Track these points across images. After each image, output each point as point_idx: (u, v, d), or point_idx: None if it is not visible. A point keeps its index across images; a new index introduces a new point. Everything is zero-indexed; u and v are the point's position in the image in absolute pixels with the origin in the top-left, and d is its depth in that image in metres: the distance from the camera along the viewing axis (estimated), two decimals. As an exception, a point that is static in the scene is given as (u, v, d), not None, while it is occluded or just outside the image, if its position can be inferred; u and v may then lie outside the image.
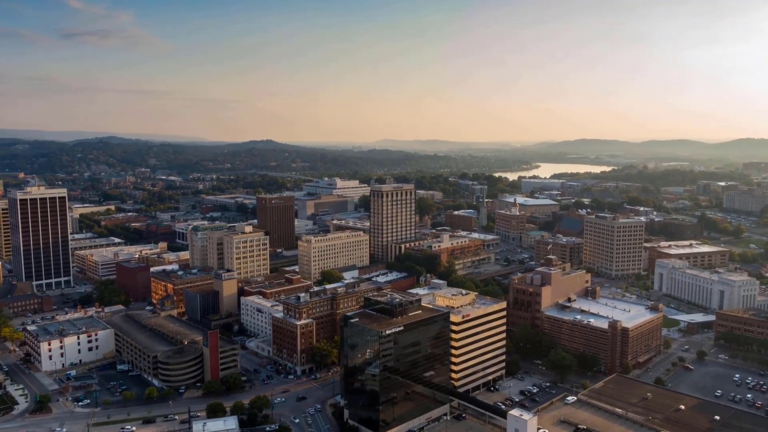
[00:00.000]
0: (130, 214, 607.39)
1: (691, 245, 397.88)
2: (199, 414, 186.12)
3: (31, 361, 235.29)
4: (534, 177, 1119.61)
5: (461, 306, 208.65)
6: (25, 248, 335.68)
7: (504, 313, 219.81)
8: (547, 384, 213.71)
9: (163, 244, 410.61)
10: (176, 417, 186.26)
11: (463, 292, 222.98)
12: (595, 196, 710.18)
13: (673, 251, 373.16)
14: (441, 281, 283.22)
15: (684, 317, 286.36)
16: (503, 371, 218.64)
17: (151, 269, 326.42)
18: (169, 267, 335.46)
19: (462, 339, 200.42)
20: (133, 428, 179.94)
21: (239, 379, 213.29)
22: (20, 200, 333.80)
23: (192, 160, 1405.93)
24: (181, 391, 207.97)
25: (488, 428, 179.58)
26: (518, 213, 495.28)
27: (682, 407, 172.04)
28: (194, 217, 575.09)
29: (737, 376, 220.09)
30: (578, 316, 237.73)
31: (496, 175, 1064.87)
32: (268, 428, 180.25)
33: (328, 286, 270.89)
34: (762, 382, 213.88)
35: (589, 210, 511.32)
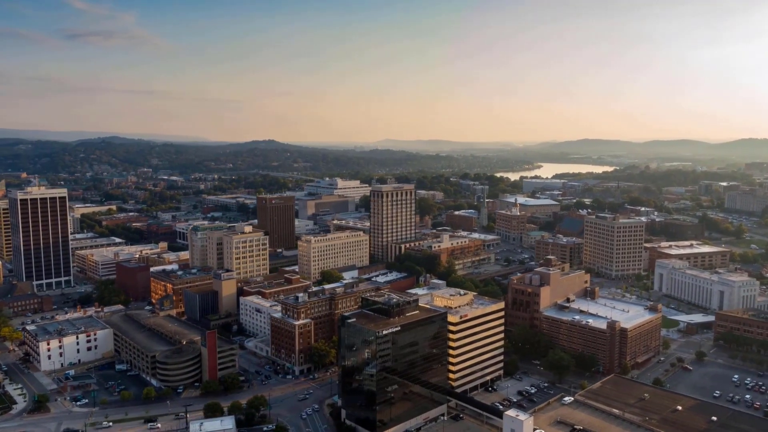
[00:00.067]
0: (131, 214, 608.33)
1: (691, 245, 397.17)
2: (182, 415, 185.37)
3: (30, 360, 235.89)
4: (536, 177, 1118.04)
5: (459, 306, 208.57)
6: (25, 248, 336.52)
7: (502, 313, 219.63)
8: (545, 384, 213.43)
9: (163, 244, 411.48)
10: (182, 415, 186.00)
11: (461, 292, 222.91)
12: (597, 196, 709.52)
13: (673, 251, 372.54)
14: (440, 281, 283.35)
15: (683, 318, 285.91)
16: (501, 371, 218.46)
17: (151, 269, 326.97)
18: (168, 267, 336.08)
19: (459, 339, 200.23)
20: (158, 425, 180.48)
21: (237, 379, 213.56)
22: (20, 200, 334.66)
23: (194, 160, 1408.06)
24: (179, 390, 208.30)
25: (485, 428, 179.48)
26: (519, 213, 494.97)
27: (680, 408, 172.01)
28: (195, 217, 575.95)
29: (736, 376, 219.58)
30: (577, 317, 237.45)
31: (498, 175, 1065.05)
32: (265, 428, 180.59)
33: (326, 286, 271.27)
34: (761, 383, 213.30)
35: (589, 210, 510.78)
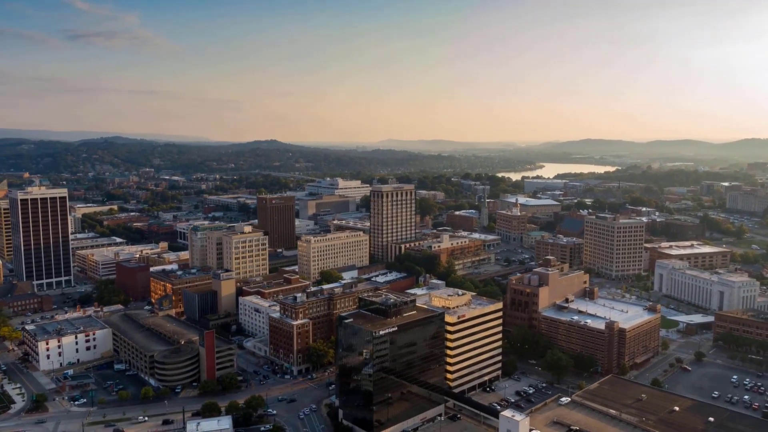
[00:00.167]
0: (132, 213, 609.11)
1: (692, 246, 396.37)
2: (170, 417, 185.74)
3: (29, 360, 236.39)
4: (537, 177, 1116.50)
5: (457, 306, 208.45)
6: (25, 248, 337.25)
7: (500, 313, 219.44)
8: (544, 385, 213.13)
9: (163, 244, 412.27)
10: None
11: (460, 292, 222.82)
12: (598, 196, 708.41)
13: (674, 252, 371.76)
14: (440, 281, 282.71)
15: (683, 318, 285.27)
16: (499, 372, 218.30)
17: (151, 269, 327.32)
18: (168, 267, 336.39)
19: (457, 339, 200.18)
20: (172, 419, 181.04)
21: (235, 379, 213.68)
22: (21, 200, 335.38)
23: (196, 160, 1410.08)
24: (177, 390, 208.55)
25: (483, 429, 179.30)
26: (519, 213, 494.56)
27: (677, 408, 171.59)
28: (196, 217, 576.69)
29: (735, 377, 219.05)
30: (575, 317, 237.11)
31: (500, 175, 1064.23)
32: (262, 428, 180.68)
33: (325, 287, 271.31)
34: (760, 384, 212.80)
35: (590, 210, 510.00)
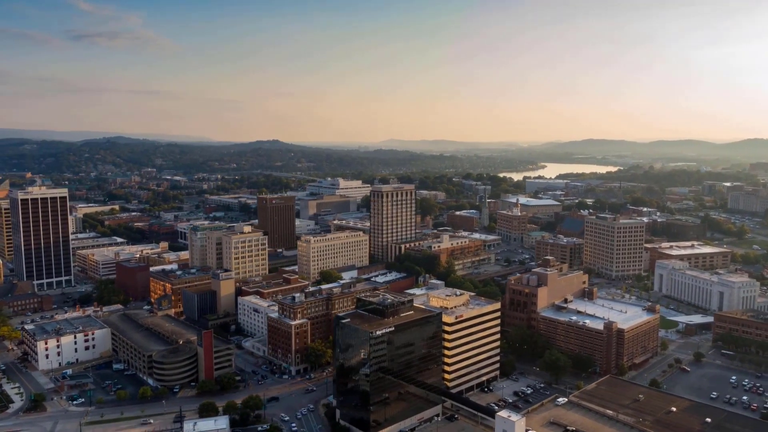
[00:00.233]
0: (133, 213, 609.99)
1: (692, 246, 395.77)
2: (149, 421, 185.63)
3: (28, 359, 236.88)
4: (539, 177, 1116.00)
5: (455, 307, 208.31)
6: (26, 248, 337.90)
7: (498, 314, 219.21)
8: (542, 385, 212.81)
9: (164, 244, 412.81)
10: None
11: (458, 292, 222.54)
12: (599, 196, 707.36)
13: (674, 252, 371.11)
14: (439, 282, 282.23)
15: (682, 318, 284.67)
16: (497, 372, 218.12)
17: (151, 269, 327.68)
18: (168, 267, 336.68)
19: (455, 340, 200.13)
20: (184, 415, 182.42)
21: (233, 379, 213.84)
22: (21, 200, 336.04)
23: (198, 161, 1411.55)
24: (175, 390, 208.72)
25: (480, 429, 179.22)
26: (520, 213, 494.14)
27: (674, 409, 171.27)
28: (197, 216, 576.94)
29: (734, 378, 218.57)
30: (574, 317, 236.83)
31: (501, 175, 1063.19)
32: (259, 428, 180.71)
33: (323, 287, 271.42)
34: (758, 384, 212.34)
35: (591, 210, 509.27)
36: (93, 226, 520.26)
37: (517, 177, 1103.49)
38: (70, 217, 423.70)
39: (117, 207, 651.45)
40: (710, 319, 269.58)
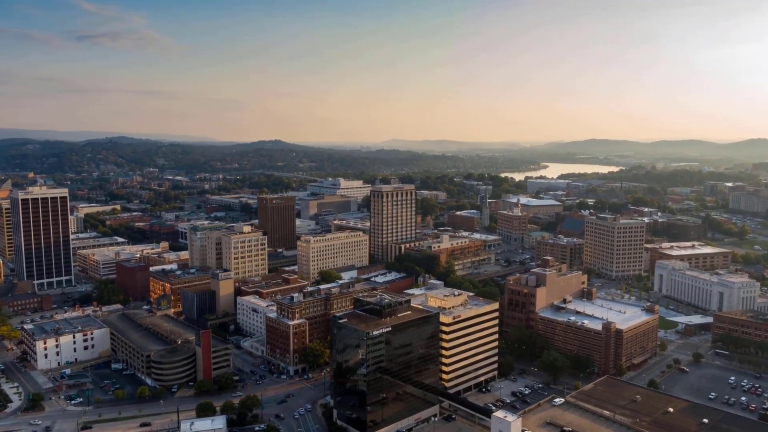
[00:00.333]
0: (135, 213, 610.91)
1: (693, 246, 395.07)
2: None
3: (27, 359, 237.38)
4: (541, 177, 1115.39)
5: (452, 307, 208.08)
6: (26, 247, 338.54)
7: (496, 314, 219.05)
8: (540, 385, 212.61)
9: (164, 244, 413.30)
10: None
11: (456, 292, 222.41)
12: (600, 196, 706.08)
13: (674, 252, 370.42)
14: (438, 282, 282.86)
15: (682, 319, 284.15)
16: (496, 372, 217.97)
17: (151, 269, 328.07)
18: (168, 267, 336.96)
19: (452, 340, 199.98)
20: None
21: (231, 379, 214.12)
22: (21, 200, 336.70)
23: (200, 161, 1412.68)
24: (173, 390, 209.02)
25: (477, 429, 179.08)
26: (520, 213, 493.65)
27: (671, 410, 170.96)
28: (198, 216, 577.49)
29: (732, 378, 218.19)
30: (572, 318, 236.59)
31: (503, 175, 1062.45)
32: (257, 428, 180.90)
33: (322, 287, 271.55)
34: (757, 385, 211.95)
35: (592, 211, 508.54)
36: (94, 226, 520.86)
37: (518, 177, 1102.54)
38: (71, 217, 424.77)
39: (118, 207, 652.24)
40: (710, 319, 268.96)
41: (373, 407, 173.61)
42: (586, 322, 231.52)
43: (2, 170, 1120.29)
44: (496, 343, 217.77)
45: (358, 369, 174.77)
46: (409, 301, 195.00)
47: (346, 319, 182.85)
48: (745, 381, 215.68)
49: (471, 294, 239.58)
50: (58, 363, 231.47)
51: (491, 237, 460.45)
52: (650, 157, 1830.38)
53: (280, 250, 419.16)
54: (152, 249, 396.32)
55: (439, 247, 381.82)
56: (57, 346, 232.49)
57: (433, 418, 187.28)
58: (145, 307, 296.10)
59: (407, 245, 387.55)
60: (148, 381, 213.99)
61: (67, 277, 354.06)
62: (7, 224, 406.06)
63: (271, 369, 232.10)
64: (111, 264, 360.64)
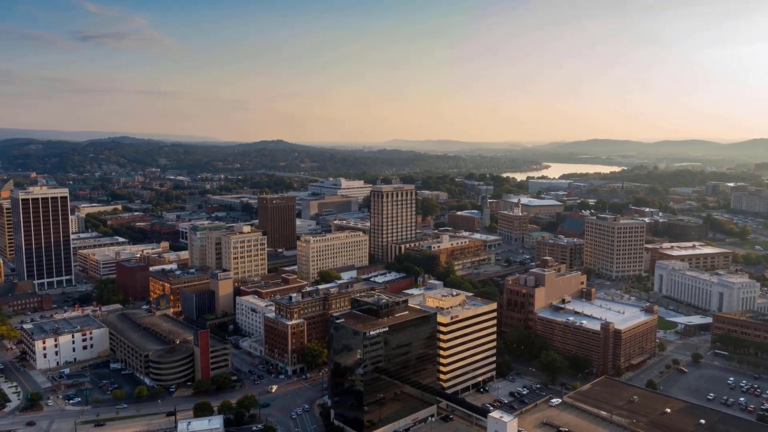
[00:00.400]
0: (136, 213, 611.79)
1: (694, 246, 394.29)
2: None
3: (26, 359, 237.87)
4: (542, 177, 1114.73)
5: (450, 307, 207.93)
6: (26, 247, 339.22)
7: (494, 314, 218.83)
8: (538, 386, 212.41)
9: (165, 244, 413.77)
10: None
11: (454, 292, 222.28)
12: (602, 196, 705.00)
13: (675, 252, 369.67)
14: (438, 282, 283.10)
15: (682, 319, 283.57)
16: (494, 372, 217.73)
17: (150, 269, 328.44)
18: (168, 266, 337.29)
19: (450, 340, 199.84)
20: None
21: (229, 379, 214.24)
22: (22, 200, 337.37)
23: (202, 161, 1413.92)
24: (171, 390, 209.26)
25: (475, 429, 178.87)
26: (521, 214, 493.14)
27: (668, 410, 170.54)
28: (200, 216, 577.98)
29: (731, 379, 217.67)
30: (571, 318, 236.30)
31: (505, 175, 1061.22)
32: (254, 428, 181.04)
33: (320, 287, 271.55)
34: (756, 385, 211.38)
35: (592, 211, 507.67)
36: (95, 225, 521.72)
37: (520, 177, 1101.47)
38: (72, 217, 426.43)
39: (120, 207, 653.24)
40: (709, 320, 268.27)
41: (370, 407, 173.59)
42: (584, 322, 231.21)
43: (5, 170, 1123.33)
44: (494, 344, 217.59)
45: (355, 369, 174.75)
46: (406, 301, 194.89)
47: (343, 319, 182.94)
48: (744, 381, 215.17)
49: (470, 294, 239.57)
50: (57, 363, 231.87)
51: (491, 237, 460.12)
52: (653, 157, 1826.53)
53: (280, 250, 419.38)
54: (153, 249, 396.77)
55: (439, 247, 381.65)
56: (56, 346, 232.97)
57: (430, 418, 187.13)
58: (144, 306, 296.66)
59: (407, 245, 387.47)
60: (147, 381, 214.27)
61: (68, 277, 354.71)
62: (8, 224, 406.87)
63: (270, 369, 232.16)
64: (111, 264, 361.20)
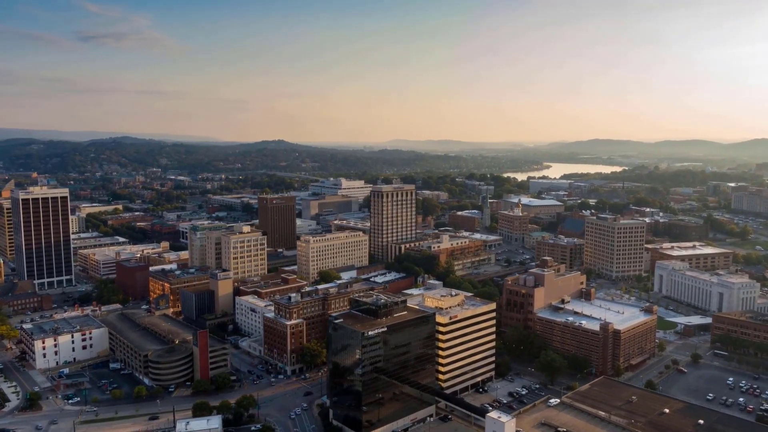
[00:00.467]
0: (136, 213, 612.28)
1: (694, 247, 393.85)
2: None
3: (26, 359, 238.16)
4: (543, 177, 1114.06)
5: (449, 307, 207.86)
6: (26, 247, 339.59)
7: (493, 314, 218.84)
8: (537, 386, 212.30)
9: (165, 244, 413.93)
10: None
11: (453, 292, 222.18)
12: (602, 196, 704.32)
13: (675, 252, 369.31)
14: (437, 282, 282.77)
15: (681, 319, 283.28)
16: (493, 373, 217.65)
17: (150, 269, 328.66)
18: (168, 266, 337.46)
19: (449, 340, 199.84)
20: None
21: (228, 379, 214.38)
22: (22, 200, 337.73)
23: (203, 161, 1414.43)
24: (170, 390, 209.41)
25: (473, 429, 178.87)
26: (521, 214, 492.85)
27: (667, 411, 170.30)
28: (200, 216, 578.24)
29: (731, 379, 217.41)
30: (570, 318, 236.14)
31: (505, 175, 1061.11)
32: (252, 427, 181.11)
33: (320, 287, 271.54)
34: (755, 386, 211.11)
35: (593, 211, 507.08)
36: (96, 225, 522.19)
37: (521, 177, 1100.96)
38: (72, 217, 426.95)
39: (120, 207, 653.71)
40: (709, 320, 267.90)
41: (369, 407, 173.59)
42: (583, 322, 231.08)
43: (6, 170, 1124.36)
44: (493, 344, 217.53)
45: (353, 369, 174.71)
46: (405, 302, 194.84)
47: (341, 320, 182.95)
48: (744, 382, 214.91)
49: (469, 294, 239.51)
50: (57, 362, 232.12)
51: (492, 237, 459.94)
52: (654, 157, 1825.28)
53: (280, 250, 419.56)
54: (153, 249, 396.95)
55: (438, 247, 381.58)
56: (55, 346, 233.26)
57: (429, 418, 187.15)
58: (144, 306, 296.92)
59: (407, 245, 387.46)
60: (146, 381, 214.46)
61: (68, 277, 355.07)
62: (8, 224, 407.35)
63: (269, 369, 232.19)
64: (111, 264, 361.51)
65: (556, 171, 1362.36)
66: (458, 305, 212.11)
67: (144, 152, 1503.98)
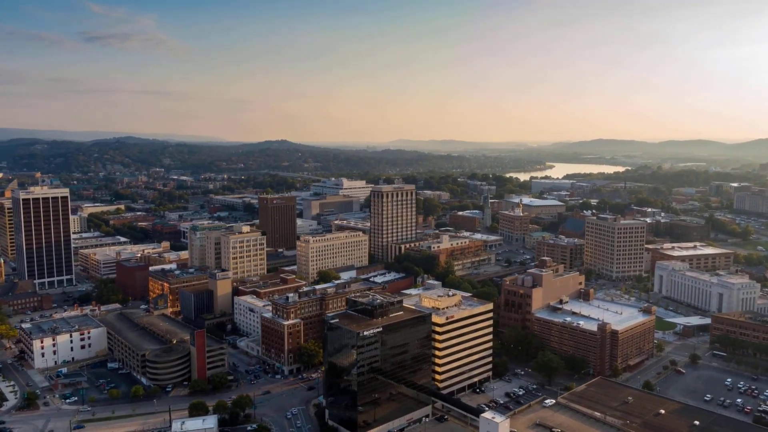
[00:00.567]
0: (138, 213, 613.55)
1: (695, 247, 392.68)
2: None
3: (24, 358, 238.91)
4: (546, 177, 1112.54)
5: (446, 307, 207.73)
6: (27, 247, 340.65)
7: (491, 314, 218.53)
8: (534, 386, 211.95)
9: (165, 244, 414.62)
10: None
11: (450, 293, 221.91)
12: (604, 196, 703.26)
13: (676, 253, 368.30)
14: (436, 282, 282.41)
15: (681, 320, 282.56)
16: (490, 373, 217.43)
17: (150, 268, 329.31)
18: (167, 266, 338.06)
19: (446, 340, 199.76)
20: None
21: (226, 379, 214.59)
22: (23, 200, 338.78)
23: (206, 161, 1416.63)
24: (168, 389, 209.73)
25: (469, 430, 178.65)
26: (522, 214, 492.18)
27: (662, 412, 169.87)
28: (202, 216, 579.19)
29: (729, 380, 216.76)
30: (568, 318, 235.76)
31: (508, 175, 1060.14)
32: (248, 427, 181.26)
33: (318, 287, 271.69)
34: (754, 387, 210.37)
35: (594, 211, 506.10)
36: (98, 225, 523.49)
37: (524, 177, 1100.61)
38: (74, 217, 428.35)
39: (122, 207, 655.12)
40: (709, 320, 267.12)
41: (365, 407, 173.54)
42: (581, 323, 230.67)
43: (10, 170, 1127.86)
44: (490, 344, 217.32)
45: (349, 369, 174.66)
46: (401, 302, 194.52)
47: (337, 320, 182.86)
48: (742, 383, 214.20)
49: (466, 294, 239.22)
50: (55, 362, 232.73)
51: (492, 237, 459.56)
52: (657, 157, 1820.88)
53: (280, 250, 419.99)
54: (153, 249, 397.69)
55: (438, 247, 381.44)
56: (54, 345, 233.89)
57: (425, 418, 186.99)
58: (143, 306, 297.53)
59: (407, 245, 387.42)
60: (143, 380, 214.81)
61: (68, 277, 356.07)
62: (9, 224, 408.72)
63: (266, 369, 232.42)
64: (111, 263, 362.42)
65: (559, 171, 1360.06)
66: (455, 305, 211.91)
67: (147, 152, 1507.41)
